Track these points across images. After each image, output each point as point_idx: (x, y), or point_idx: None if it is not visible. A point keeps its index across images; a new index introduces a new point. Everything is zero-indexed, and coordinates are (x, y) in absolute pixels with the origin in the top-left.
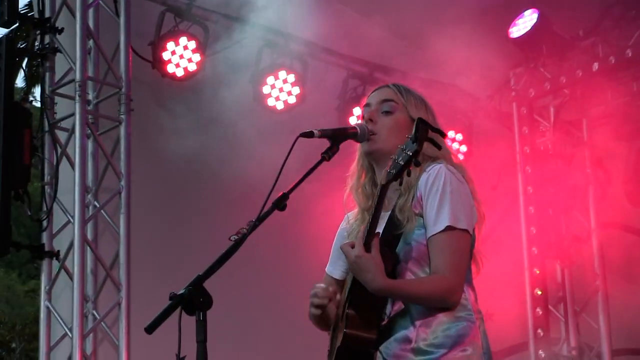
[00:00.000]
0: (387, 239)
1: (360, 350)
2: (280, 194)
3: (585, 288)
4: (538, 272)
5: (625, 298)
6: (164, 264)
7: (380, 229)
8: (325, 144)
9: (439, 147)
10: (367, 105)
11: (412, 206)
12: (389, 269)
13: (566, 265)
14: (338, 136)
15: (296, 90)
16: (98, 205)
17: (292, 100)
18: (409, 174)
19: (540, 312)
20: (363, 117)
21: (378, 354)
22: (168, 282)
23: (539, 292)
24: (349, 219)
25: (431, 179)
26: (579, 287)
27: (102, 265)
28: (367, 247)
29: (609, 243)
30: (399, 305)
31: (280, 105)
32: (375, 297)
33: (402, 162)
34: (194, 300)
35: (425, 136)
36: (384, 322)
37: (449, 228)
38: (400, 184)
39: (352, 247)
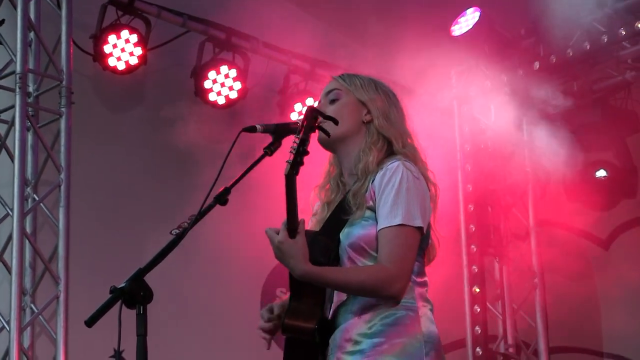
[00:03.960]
0: (332, 224)
1: (304, 340)
2: (222, 188)
3: (523, 286)
4: (476, 269)
5: (563, 296)
6: (103, 258)
7: (329, 212)
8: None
9: (327, 134)
10: (319, 102)
11: (365, 196)
12: (324, 256)
13: (505, 263)
14: (280, 131)
15: (237, 85)
16: (37, 199)
17: (233, 95)
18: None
19: (478, 310)
20: None
21: (329, 346)
22: (107, 277)
23: (477, 290)
24: (314, 212)
25: (387, 175)
26: (517, 285)
27: (40, 259)
28: (291, 232)
29: (547, 241)
30: (342, 296)
31: (221, 100)
32: (312, 286)
33: (293, 152)
34: (135, 293)
35: (312, 124)
36: (330, 313)
37: (401, 225)
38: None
39: (278, 233)
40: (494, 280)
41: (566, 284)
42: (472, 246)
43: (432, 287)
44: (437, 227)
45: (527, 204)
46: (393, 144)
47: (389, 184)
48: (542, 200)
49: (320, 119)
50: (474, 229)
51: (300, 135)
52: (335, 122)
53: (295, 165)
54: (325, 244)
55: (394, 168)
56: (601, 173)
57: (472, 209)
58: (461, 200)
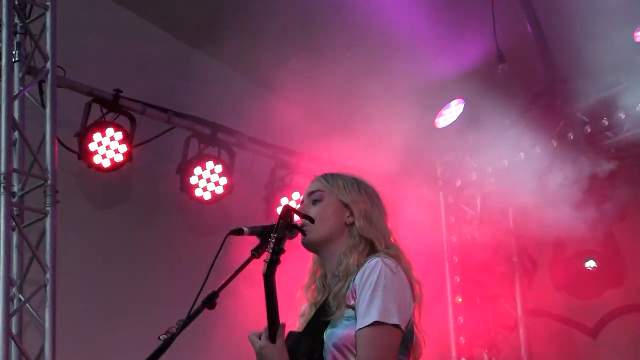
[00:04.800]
0: (315, 325)
1: None
2: (211, 292)
3: None
4: None
5: None
6: (90, 358)
7: (310, 317)
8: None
9: (304, 233)
10: (302, 202)
11: (346, 296)
12: (308, 357)
13: (494, 354)
14: (267, 233)
15: (224, 180)
16: (23, 299)
17: (219, 190)
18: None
19: None
20: None
21: None
22: None
23: None
24: (302, 313)
25: (367, 273)
26: None
27: None
28: (272, 337)
29: (536, 331)
30: None
31: (207, 196)
32: None
33: (270, 252)
34: None
35: (288, 223)
36: None
37: (377, 323)
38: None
39: (260, 337)
40: None
41: None
42: (461, 338)
43: None
44: (423, 325)
45: (515, 294)
46: (376, 245)
47: (368, 281)
48: (530, 289)
49: (296, 218)
50: (462, 321)
51: (276, 234)
52: (312, 221)
53: (272, 265)
54: (308, 345)
55: (373, 265)
56: (590, 264)
57: (460, 300)
58: (449, 293)
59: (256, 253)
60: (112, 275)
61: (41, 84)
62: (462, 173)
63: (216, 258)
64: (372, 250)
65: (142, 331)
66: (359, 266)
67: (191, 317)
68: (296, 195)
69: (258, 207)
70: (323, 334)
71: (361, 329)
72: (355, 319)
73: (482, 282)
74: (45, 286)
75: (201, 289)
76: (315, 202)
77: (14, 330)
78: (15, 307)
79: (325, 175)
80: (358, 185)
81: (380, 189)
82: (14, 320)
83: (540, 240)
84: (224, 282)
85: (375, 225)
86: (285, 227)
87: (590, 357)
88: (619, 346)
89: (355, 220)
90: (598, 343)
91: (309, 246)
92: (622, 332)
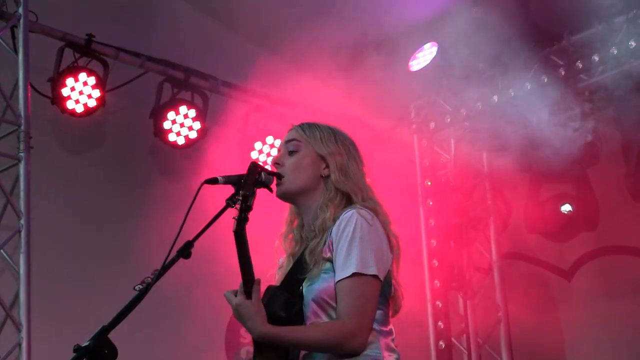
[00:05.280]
0: (291, 280)
1: None
2: (186, 242)
3: (487, 320)
4: (440, 305)
5: (528, 328)
6: (65, 304)
7: (287, 270)
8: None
9: (269, 189)
10: (278, 150)
11: (322, 251)
12: (286, 311)
13: (468, 297)
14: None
15: (197, 125)
16: None
17: (193, 135)
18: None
19: (443, 345)
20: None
21: None
22: (70, 324)
23: (442, 325)
24: (280, 264)
25: (342, 225)
26: (482, 319)
27: (1, 306)
28: (247, 293)
29: (510, 273)
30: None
31: (181, 141)
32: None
33: (237, 209)
34: (100, 352)
35: (254, 179)
36: None
37: (355, 274)
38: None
39: (236, 295)
40: (458, 315)
41: (530, 316)
42: (436, 281)
43: (395, 322)
44: (401, 279)
45: (489, 237)
46: (352, 198)
47: (344, 233)
48: (504, 232)
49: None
50: (437, 264)
51: (243, 190)
52: (280, 177)
53: (240, 222)
54: (286, 298)
55: (348, 217)
56: (566, 207)
57: (434, 244)
58: (423, 236)
59: (231, 202)
60: (85, 220)
61: (13, 28)
62: (436, 116)
63: (190, 207)
64: (348, 203)
65: (117, 278)
66: (335, 219)
67: (166, 267)
68: (270, 140)
69: (232, 151)
70: (299, 288)
71: (339, 280)
72: (333, 271)
73: (457, 225)
74: (20, 232)
75: (175, 239)
76: (291, 153)
77: None
78: None
79: (302, 124)
80: (335, 136)
81: (355, 132)
82: None
83: (514, 183)
84: (199, 230)
85: (352, 179)
86: (253, 183)
87: (565, 299)
88: (593, 289)
89: (331, 173)
90: (572, 285)
91: (284, 197)
92: (596, 275)
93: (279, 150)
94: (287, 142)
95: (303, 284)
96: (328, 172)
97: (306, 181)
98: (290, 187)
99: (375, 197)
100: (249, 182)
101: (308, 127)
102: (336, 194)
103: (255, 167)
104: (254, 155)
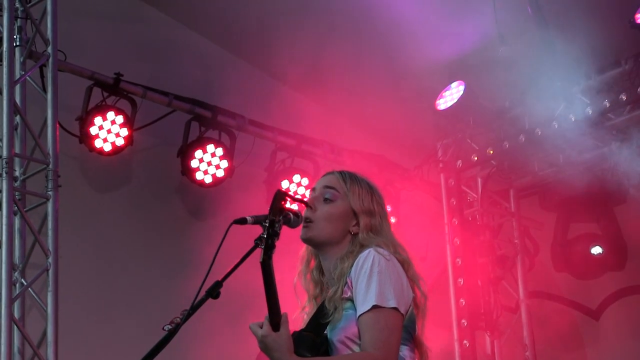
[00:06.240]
0: (315, 325)
1: None
2: (214, 282)
3: (515, 359)
4: (468, 344)
5: None
6: (92, 343)
7: (310, 315)
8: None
9: (297, 216)
10: (313, 189)
11: (343, 292)
12: (312, 352)
13: (496, 336)
14: None
15: (224, 163)
16: (25, 283)
17: (220, 173)
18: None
19: None
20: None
21: None
22: None
23: None
24: (303, 308)
25: (360, 263)
26: (509, 358)
27: (29, 344)
28: (274, 326)
29: (537, 312)
30: None
31: (208, 179)
32: None
33: (264, 235)
34: None
35: (280, 206)
36: None
37: (375, 307)
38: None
39: (261, 327)
40: (485, 354)
41: (558, 356)
42: (463, 321)
43: None
44: (427, 323)
45: (517, 276)
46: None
47: (362, 270)
48: (531, 271)
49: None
50: (464, 303)
51: (269, 218)
52: (306, 204)
53: (267, 250)
54: (311, 340)
55: (366, 255)
56: (597, 250)
57: (461, 283)
58: (450, 275)
59: (259, 242)
60: (113, 259)
61: (42, 68)
62: (463, 155)
63: (220, 247)
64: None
65: (144, 318)
66: (352, 265)
67: (195, 307)
68: (296, 178)
69: (258, 190)
70: (324, 331)
71: (361, 315)
72: (354, 309)
73: (484, 264)
74: (47, 270)
75: (205, 279)
76: (326, 200)
77: (17, 315)
78: (17, 292)
79: (344, 174)
80: (372, 195)
81: (381, 171)
82: (16, 304)
83: (541, 222)
84: (227, 270)
85: (385, 236)
86: (278, 210)
87: (592, 339)
88: (620, 328)
89: (360, 232)
90: (600, 325)
91: (308, 242)
92: (623, 314)
93: (313, 190)
94: (325, 187)
95: (327, 328)
96: (357, 230)
97: (334, 233)
98: (317, 235)
99: (407, 255)
100: (276, 209)
101: (349, 179)
102: (361, 249)
103: (281, 195)
104: None
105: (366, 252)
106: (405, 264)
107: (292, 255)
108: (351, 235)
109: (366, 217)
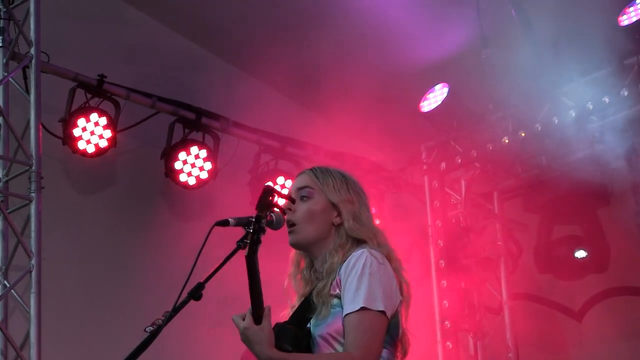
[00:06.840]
0: (299, 318)
1: None
2: (197, 283)
3: None
4: (451, 346)
5: None
6: (76, 345)
7: (295, 308)
8: None
9: (283, 212)
10: (289, 195)
11: (330, 290)
12: (293, 345)
13: (479, 338)
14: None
15: (208, 165)
16: (8, 285)
17: (204, 175)
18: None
19: None
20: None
21: None
22: None
23: None
24: (291, 306)
25: (352, 262)
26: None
27: (12, 346)
28: (256, 318)
29: (520, 314)
30: None
31: (192, 181)
32: None
33: (250, 230)
34: None
35: (268, 202)
36: None
37: (363, 309)
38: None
39: (244, 319)
40: (468, 355)
41: (541, 358)
42: (446, 322)
43: None
44: (411, 319)
45: (500, 277)
46: (367, 243)
47: (353, 270)
48: (514, 273)
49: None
50: (447, 305)
51: (256, 213)
52: (293, 201)
53: (253, 245)
54: (294, 333)
55: (358, 255)
56: (581, 254)
57: (445, 284)
58: (434, 276)
59: (242, 244)
60: (96, 261)
61: (25, 69)
62: (447, 157)
63: (202, 249)
64: (359, 247)
65: (128, 319)
66: (343, 261)
67: (177, 309)
68: (280, 180)
69: (242, 192)
70: (308, 325)
71: (347, 314)
72: (341, 307)
73: (467, 266)
74: (30, 272)
75: (187, 280)
76: (303, 198)
77: None
78: (0, 293)
79: (315, 169)
80: (347, 183)
81: (365, 173)
82: None
83: (525, 224)
84: (209, 272)
85: (365, 225)
86: (267, 205)
87: (575, 340)
88: (603, 330)
89: (344, 221)
90: (582, 326)
91: (297, 246)
92: (606, 316)
93: (289, 193)
94: (299, 188)
95: (311, 321)
96: (340, 221)
97: (318, 230)
98: (303, 238)
99: (388, 244)
100: (263, 204)
101: (321, 174)
102: (347, 240)
103: (269, 190)
104: None
105: (359, 252)
106: (388, 256)
107: (280, 258)
108: (335, 226)
109: (346, 206)
